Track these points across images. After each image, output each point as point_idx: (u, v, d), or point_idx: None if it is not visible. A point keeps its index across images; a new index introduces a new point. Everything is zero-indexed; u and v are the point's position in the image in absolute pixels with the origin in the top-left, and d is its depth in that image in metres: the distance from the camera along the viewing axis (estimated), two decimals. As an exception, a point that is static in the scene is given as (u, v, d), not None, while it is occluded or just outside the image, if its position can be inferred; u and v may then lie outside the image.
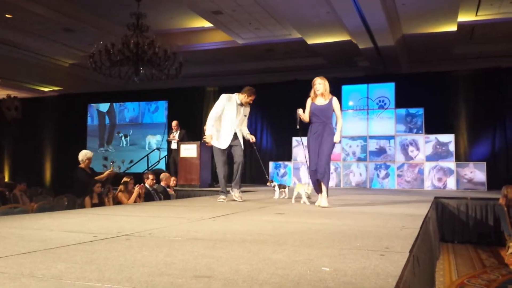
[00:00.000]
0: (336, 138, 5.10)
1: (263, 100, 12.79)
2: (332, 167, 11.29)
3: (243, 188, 7.21)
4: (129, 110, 15.27)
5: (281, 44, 12.33)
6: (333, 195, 8.01)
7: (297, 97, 11.89)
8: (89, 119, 15.59)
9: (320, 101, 5.15)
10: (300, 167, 11.40)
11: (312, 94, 5.19)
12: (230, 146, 5.90)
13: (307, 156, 5.28)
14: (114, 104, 15.36)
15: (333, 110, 5.17)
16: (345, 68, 13.08)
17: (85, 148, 14.34)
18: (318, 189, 5.13)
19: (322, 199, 4.98)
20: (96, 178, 7.09)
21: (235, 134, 5.89)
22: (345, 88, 11.65)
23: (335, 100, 5.17)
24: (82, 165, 7.39)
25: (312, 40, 11.57)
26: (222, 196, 5.88)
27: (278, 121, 12.63)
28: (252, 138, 6.04)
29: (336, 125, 5.26)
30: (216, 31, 11.81)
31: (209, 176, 10.11)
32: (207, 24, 11.40)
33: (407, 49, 12.15)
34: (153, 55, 10.18)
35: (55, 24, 11.27)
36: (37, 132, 15.61)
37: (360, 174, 11.06)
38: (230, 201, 5.85)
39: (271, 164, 11.76)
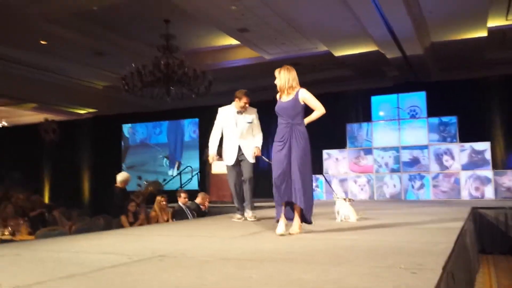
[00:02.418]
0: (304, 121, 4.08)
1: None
2: (364, 179, 11.16)
3: (271, 203, 7.09)
4: (139, 132, 15.93)
5: (308, 57, 12.34)
6: (366, 208, 7.92)
7: (326, 109, 11.98)
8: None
9: (284, 98, 4.09)
10: (332, 179, 11.33)
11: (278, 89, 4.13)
12: (239, 161, 5.39)
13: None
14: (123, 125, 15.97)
15: (304, 104, 4.08)
16: (374, 78, 12.96)
17: (120, 168, 14.74)
18: (286, 212, 3.95)
19: (295, 225, 3.93)
20: (133, 197, 7.27)
21: (240, 147, 5.33)
22: (374, 99, 11.56)
23: (302, 91, 4.06)
24: (118, 185, 7.60)
25: (339, 52, 11.54)
26: (237, 215, 5.50)
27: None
28: (255, 152, 5.33)
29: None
30: (243, 48, 11.95)
31: (241, 192, 10.17)
32: (234, 41, 11.56)
33: (436, 57, 11.95)
34: (183, 75, 10.41)
35: (88, 48, 11.66)
36: (74, 154, 16.07)
37: (394, 186, 10.89)
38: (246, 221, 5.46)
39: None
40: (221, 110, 5.42)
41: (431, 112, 10.98)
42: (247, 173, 5.36)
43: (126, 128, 16.19)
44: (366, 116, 11.69)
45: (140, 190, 9.75)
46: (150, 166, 15.46)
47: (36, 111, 16.61)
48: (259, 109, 5.54)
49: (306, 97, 4.06)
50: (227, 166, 5.45)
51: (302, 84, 13.78)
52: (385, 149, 11.19)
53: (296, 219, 3.92)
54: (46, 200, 14.28)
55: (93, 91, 14.98)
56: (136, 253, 3.11)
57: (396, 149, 11.08)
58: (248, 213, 5.45)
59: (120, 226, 6.59)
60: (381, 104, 11.54)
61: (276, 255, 2.93)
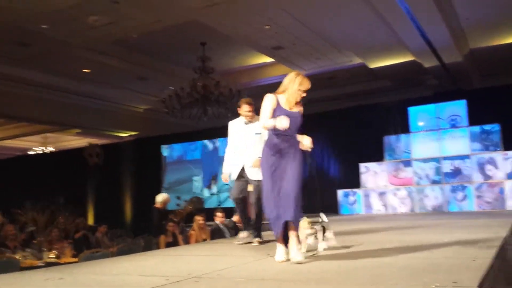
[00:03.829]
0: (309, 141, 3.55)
1: (328, 127, 12.77)
2: (404, 192, 10.90)
3: (309, 219, 6.79)
4: (175, 150, 16.13)
5: (343, 70, 12.35)
6: (407, 220, 7.75)
7: (361, 121, 11.84)
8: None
9: (294, 107, 3.58)
10: (370, 193, 11.13)
11: (288, 92, 3.54)
12: (243, 177, 4.78)
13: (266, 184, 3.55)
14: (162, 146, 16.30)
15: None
16: (412, 88, 12.76)
17: (160, 188, 15.04)
18: (283, 235, 3.48)
19: (293, 250, 3.41)
20: (171, 217, 7.43)
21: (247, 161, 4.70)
22: (412, 110, 11.30)
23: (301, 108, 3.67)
24: (157, 205, 7.78)
25: (374, 64, 11.48)
26: (240, 234, 4.97)
27: (343, 148, 12.48)
28: (253, 164, 4.52)
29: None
30: (278, 65, 12.08)
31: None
32: (268, 59, 11.70)
33: (477, 64, 11.66)
34: (219, 95, 10.63)
35: (129, 74, 12.13)
36: (117, 176, 16.47)
37: (436, 198, 10.56)
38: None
39: (339, 193, 11.54)
40: (230, 124, 4.91)
41: (472, 121, 10.63)
42: (252, 196, 4.74)
43: (165, 149, 16.52)
44: (404, 127, 11.46)
45: (178, 210, 9.93)
46: (188, 185, 15.67)
47: (80, 136, 17.32)
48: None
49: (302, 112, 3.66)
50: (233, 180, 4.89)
51: (338, 97, 13.54)
52: (425, 160, 10.90)
53: (295, 245, 3.40)
54: (91, 222, 14.70)
55: (134, 114, 15.48)
56: (173, 274, 3.17)
57: (437, 160, 10.77)
58: (252, 237, 4.79)
59: (159, 246, 6.74)
60: (419, 115, 11.28)
61: (311, 275, 2.92)
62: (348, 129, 12.01)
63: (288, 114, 3.44)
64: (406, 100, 11.70)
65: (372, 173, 11.27)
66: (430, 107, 11.16)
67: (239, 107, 4.77)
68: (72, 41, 9.78)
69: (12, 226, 7.21)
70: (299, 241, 3.44)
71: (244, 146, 4.73)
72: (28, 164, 17.80)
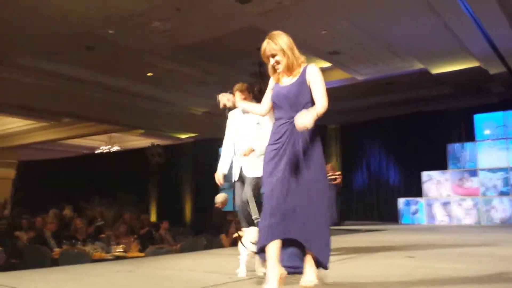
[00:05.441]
0: (306, 120, 2.44)
1: (387, 134, 12.54)
2: (470, 203, 10.47)
3: (368, 227, 6.65)
4: None
5: (403, 76, 12.04)
6: (474, 232, 7.45)
7: (422, 129, 11.52)
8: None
9: (286, 80, 2.79)
10: (433, 203, 10.78)
11: (271, 70, 2.83)
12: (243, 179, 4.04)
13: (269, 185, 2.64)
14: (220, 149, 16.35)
15: (309, 87, 2.71)
16: (476, 96, 12.25)
17: (218, 189, 15.31)
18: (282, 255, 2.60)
19: (307, 273, 2.62)
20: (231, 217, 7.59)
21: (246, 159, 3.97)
22: (477, 117, 10.87)
23: (312, 68, 2.76)
24: (217, 206, 7.97)
25: (436, 70, 11.13)
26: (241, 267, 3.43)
27: (404, 155, 12.18)
28: (245, 152, 3.85)
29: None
30: (335, 70, 11.97)
31: (334, 213, 10.05)
32: (325, 64, 11.64)
33: (547, 70, 11.01)
34: (275, 99, 10.69)
35: (189, 78, 12.48)
36: (177, 176, 16.93)
37: (504, 210, 10.07)
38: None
39: (400, 201, 11.27)
40: (230, 114, 4.09)
41: (542, 130, 10.08)
42: (244, 193, 3.95)
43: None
44: (469, 135, 11.03)
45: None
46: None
47: (143, 136, 18.00)
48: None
49: (314, 75, 2.71)
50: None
51: (396, 103, 13.24)
52: (492, 170, 10.42)
53: (311, 264, 2.61)
54: (154, 219, 15.20)
55: (193, 117, 15.88)
56: (235, 273, 3.25)
57: (505, 170, 10.26)
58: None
59: (221, 245, 6.90)
60: (485, 122, 10.81)
61: (371, 285, 2.90)
62: (409, 136, 11.74)
63: (278, 90, 2.76)
64: (470, 108, 11.27)
65: (435, 182, 10.92)
66: (497, 115, 10.69)
67: (233, 94, 3.97)
68: (137, 46, 10.19)
69: (80, 219, 7.63)
70: (315, 263, 2.63)
71: (244, 139, 4.04)
72: (95, 162, 18.69)
